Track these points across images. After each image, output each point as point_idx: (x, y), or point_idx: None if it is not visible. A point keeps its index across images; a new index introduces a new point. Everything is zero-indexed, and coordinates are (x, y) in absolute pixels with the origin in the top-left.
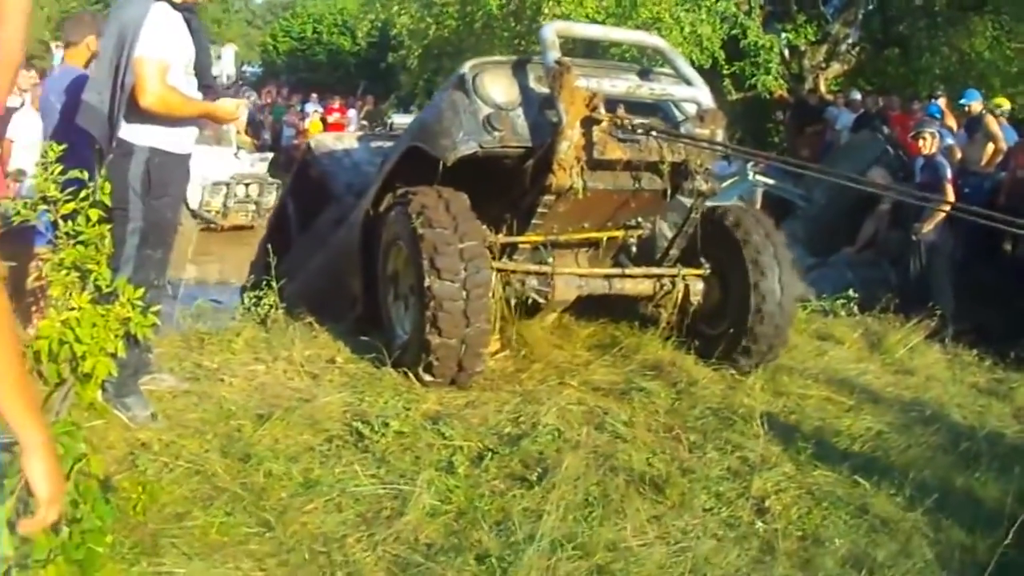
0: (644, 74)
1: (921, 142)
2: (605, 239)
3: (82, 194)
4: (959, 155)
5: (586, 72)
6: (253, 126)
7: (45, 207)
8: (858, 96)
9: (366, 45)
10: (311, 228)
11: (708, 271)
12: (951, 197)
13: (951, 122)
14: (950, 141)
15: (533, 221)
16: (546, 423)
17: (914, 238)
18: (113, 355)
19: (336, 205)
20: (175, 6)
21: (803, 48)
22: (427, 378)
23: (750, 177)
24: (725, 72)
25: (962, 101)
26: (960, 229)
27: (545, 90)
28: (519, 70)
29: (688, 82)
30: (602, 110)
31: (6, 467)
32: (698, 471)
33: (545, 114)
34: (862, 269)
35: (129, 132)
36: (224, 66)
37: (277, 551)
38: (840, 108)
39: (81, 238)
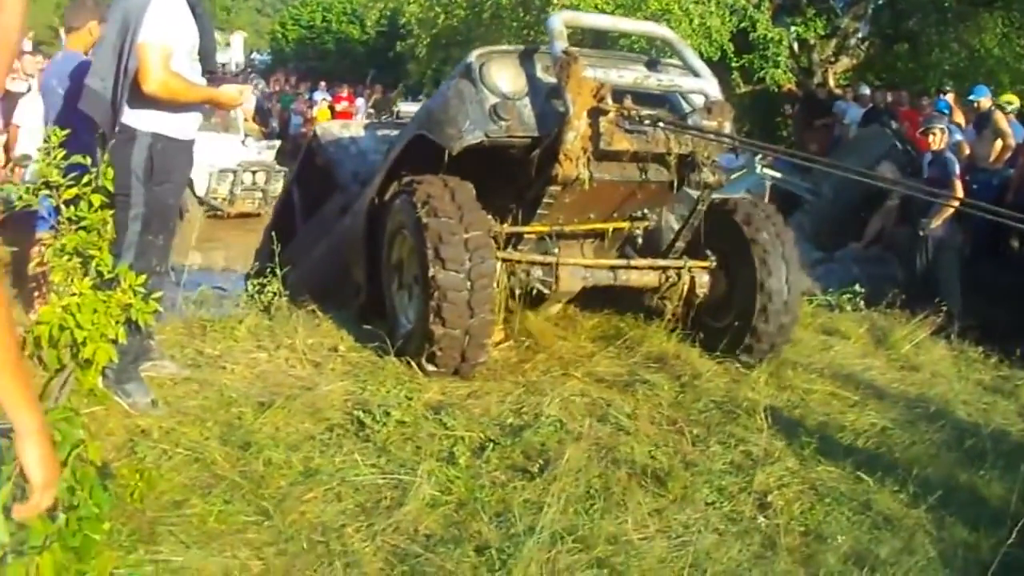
0: (652, 65)
1: (931, 138)
2: (611, 230)
3: (84, 179)
4: (967, 151)
5: (593, 62)
6: (261, 114)
7: (47, 192)
8: (867, 91)
9: (375, 34)
10: (316, 216)
11: (714, 264)
12: (959, 193)
13: (959, 118)
14: (959, 137)
15: (539, 211)
16: (548, 414)
17: (921, 234)
18: (114, 341)
19: (341, 193)
20: None
21: (812, 42)
22: (430, 368)
23: (758, 170)
24: (734, 65)
25: (971, 97)
26: (967, 226)
27: (552, 80)
28: (526, 59)
29: (696, 73)
30: (609, 101)
31: (3, 453)
32: (701, 465)
33: (552, 104)
34: (869, 265)
35: (132, 118)
36: (233, 54)
37: (275, 540)
38: (849, 102)
39: (83, 224)
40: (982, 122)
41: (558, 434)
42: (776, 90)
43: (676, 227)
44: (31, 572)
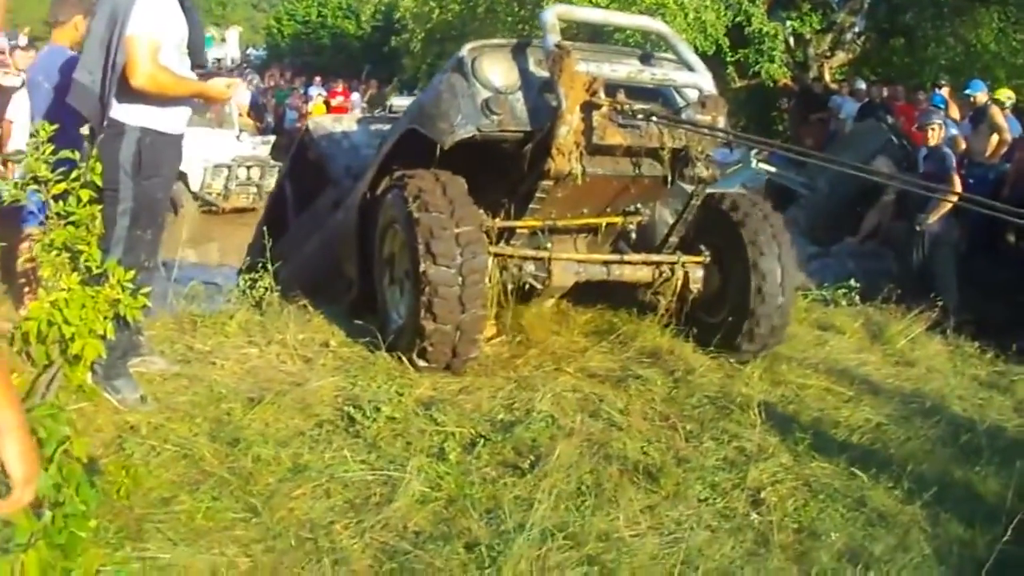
0: (645, 59)
1: (930, 132)
2: (604, 225)
3: (73, 174)
4: (963, 145)
5: (586, 56)
6: (256, 109)
7: (35, 187)
8: (863, 85)
9: (370, 29)
10: (308, 211)
11: (708, 258)
12: (958, 188)
13: (955, 112)
14: (954, 131)
15: (531, 206)
16: (540, 410)
17: (918, 229)
18: (102, 337)
19: (333, 188)
20: None
21: (808, 36)
22: (421, 363)
23: (753, 165)
24: (729, 60)
25: (967, 92)
26: (963, 221)
27: (545, 74)
28: (518, 53)
29: (690, 68)
30: (602, 95)
31: None
32: (693, 461)
33: (544, 98)
34: (864, 259)
35: (120, 112)
36: (229, 49)
37: (263, 537)
38: (844, 97)
39: (72, 219)
40: (978, 117)
41: (549, 430)
42: (772, 85)
43: (670, 222)
44: (16, 570)
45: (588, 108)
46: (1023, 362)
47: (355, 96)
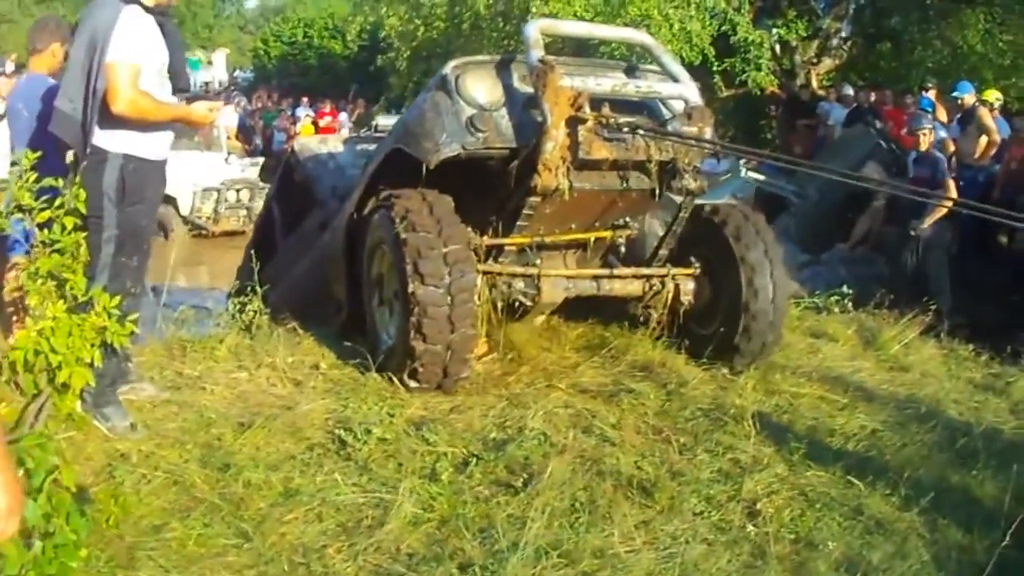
0: (630, 71)
1: (921, 137)
2: (593, 240)
3: (57, 202)
4: (952, 148)
5: (570, 70)
6: (244, 131)
7: (19, 216)
8: (850, 91)
9: (356, 48)
10: (296, 232)
11: (698, 270)
12: (953, 193)
13: (942, 115)
14: (943, 134)
15: (519, 223)
16: (532, 427)
17: (913, 234)
18: (90, 365)
19: (320, 209)
20: (146, 9)
21: (794, 43)
22: (412, 384)
23: (742, 174)
24: (715, 69)
25: (955, 94)
26: (955, 223)
27: (529, 90)
28: (502, 70)
29: (675, 79)
30: (587, 109)
31: None
32: (688, 474)
33: (529, 114)
34: (856, 266)
35: (103, 139)
36: (216, 72)
37: (256, 562)
38: (832, 103)
39: (57, 247)
40: (966, 118)
41: (542, 447)
42: (759, 93)
43: (660, 235)
44: None
45: (573, 123)
46: (1018, 363)
47: (343, 116)
